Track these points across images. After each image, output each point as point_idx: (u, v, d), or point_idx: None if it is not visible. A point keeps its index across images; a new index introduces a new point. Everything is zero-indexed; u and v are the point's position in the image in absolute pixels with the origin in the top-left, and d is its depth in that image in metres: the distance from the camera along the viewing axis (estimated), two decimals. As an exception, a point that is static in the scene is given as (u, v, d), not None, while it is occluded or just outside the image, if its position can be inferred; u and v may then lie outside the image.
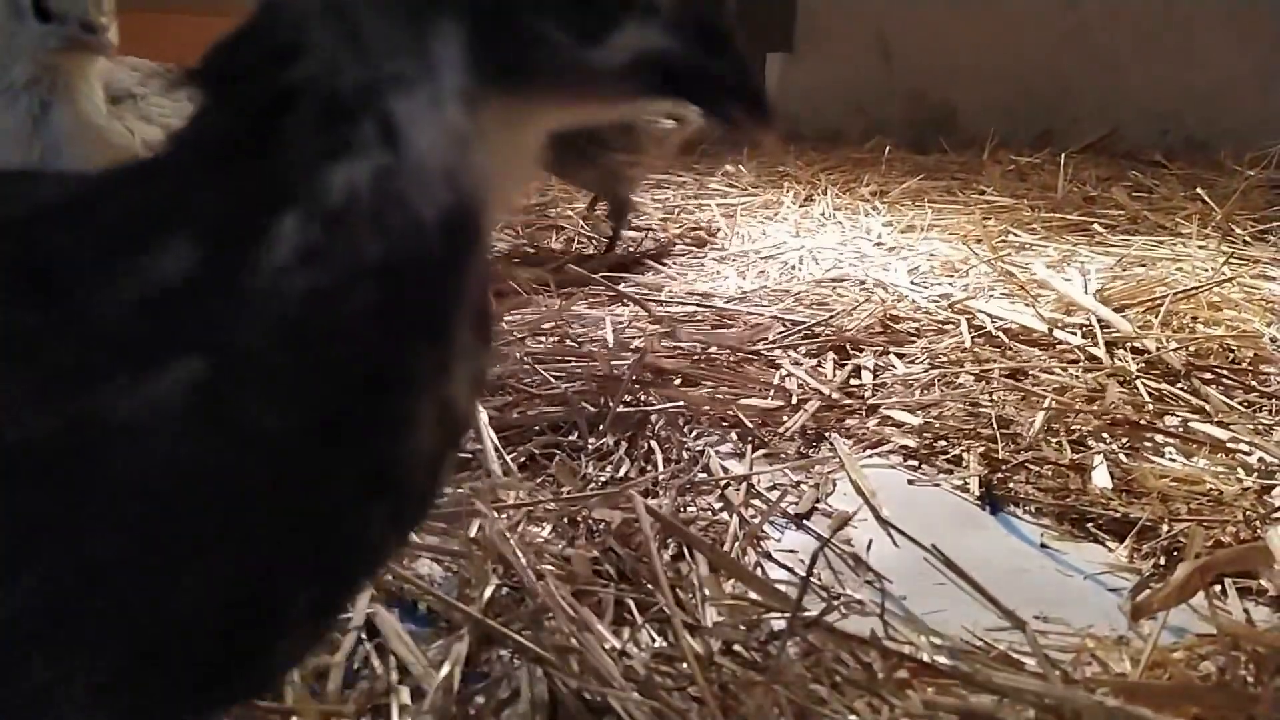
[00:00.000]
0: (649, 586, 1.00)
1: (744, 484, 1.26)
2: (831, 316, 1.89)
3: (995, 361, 1.69)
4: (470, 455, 1.26)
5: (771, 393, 1.55)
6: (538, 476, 1.25)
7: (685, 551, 1.08)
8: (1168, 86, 4.13)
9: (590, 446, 1.31)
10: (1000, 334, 1.81)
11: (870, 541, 1.15)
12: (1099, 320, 1.82)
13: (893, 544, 1.16)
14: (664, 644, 0.93)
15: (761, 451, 1.38)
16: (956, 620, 1.01)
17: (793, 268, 2.36)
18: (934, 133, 4.32)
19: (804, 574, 1.01)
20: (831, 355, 1.72)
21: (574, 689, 0.84)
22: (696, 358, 1.67)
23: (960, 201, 3.27)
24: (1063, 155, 3.55)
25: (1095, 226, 2.91)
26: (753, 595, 1.02)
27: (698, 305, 1.99)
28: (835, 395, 1.54)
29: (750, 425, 1.42)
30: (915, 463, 1.38)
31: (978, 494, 1.29)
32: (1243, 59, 3.95)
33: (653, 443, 1.35)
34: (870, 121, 4.42)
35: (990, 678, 0.88)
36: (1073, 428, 1.44)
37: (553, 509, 1.15)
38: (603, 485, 1.23)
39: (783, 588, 1.04)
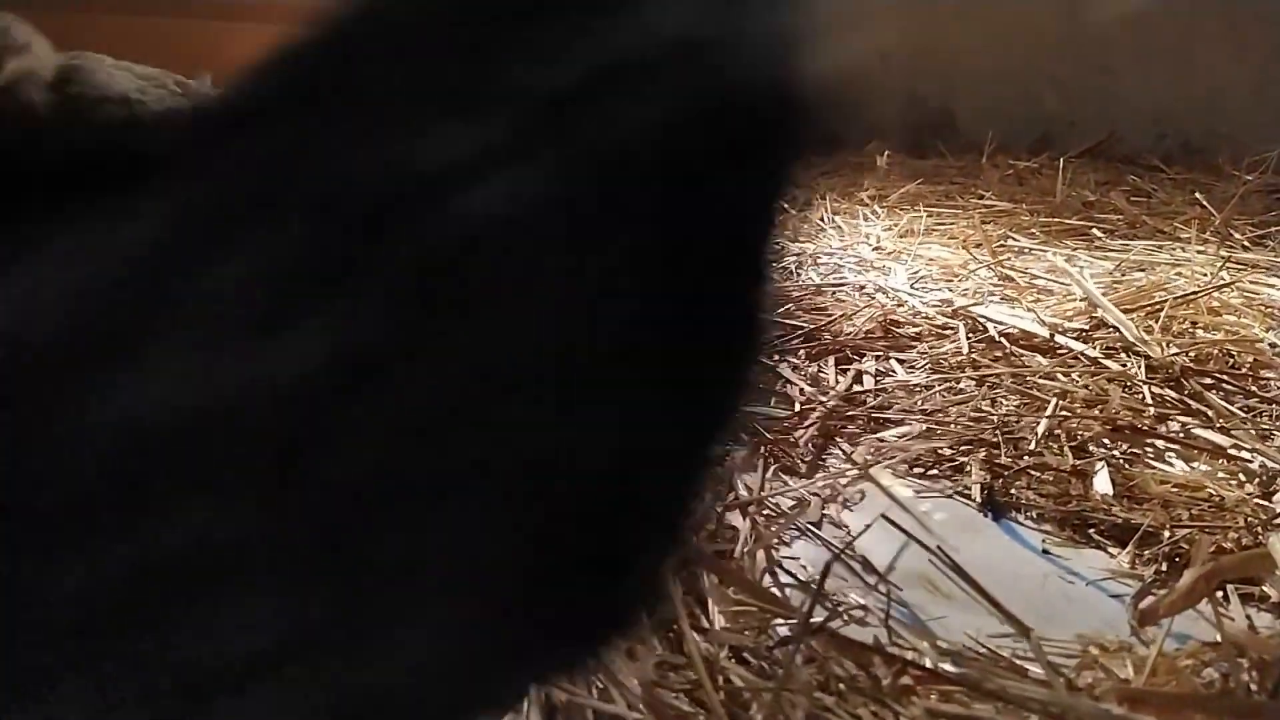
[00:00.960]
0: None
1: (757, 492, 1.27)
2: (830, 322, 1.89)
3: (996, 366, 1.69)
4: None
5: (774, 399, 1.55)
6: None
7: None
8: (1165, 91, 4.14)
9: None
10: (1001, 339, 1.81)
11: (877, 548, 1.15)
12: (1111, 324, 1.82)
13: (896, 550, 1.15)
14: (665, 651, 0.93)
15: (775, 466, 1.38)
16: (959, 627, 1.01)
17: (791, 272, 2.36)
18: (932, 137, 4.33)
19: (812, 582, 1.01)
20: (832, 361, 1.72)
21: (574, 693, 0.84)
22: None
23: (959, 206, 3.28)
24: (1061, 160, 3.56)
25: (1094, 231, 2.92)
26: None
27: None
28: (837, 403, 1.54)
29: (761, 433, 1.43)
30: (917, 469, 1.38)
31: (979, 500, 1.29)
32: (1240, 64, 3.97)
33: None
34: (868, 126, 4.43)
35: (999, 685, 0.88)
36: (1074, 433, 1.44)
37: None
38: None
39: (790, 594, 1.04)
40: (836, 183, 3.60)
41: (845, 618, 0.99)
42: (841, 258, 2.52)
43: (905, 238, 2.87)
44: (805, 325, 1.87)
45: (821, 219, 3.05)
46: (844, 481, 1.33)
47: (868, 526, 1.20)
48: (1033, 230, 2.95)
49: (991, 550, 1.20)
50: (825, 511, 1.25)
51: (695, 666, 0.87)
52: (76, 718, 0.32)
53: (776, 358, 1.70)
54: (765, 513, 1.22)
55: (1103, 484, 1.29)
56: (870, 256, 2.53)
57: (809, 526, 1.21)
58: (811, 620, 0.92)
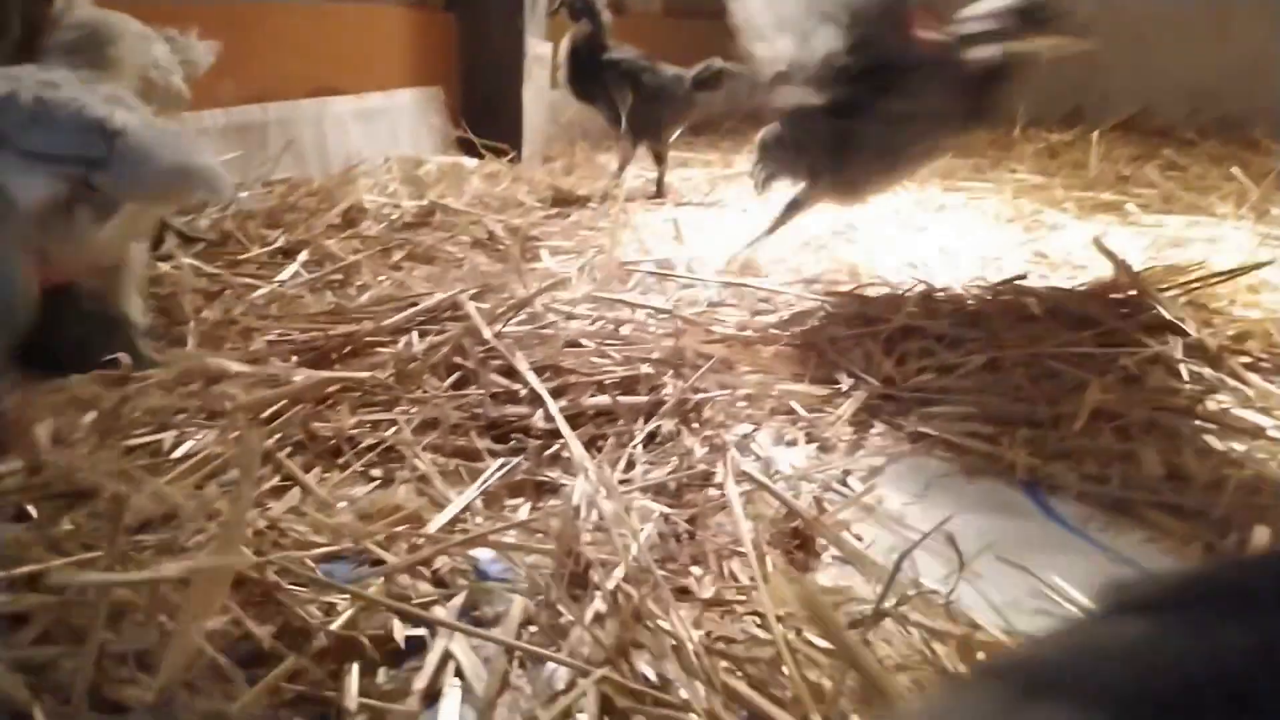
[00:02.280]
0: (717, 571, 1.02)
1: (809, 470, 1.28)
2: (868, 302, 1.89)
3: (1036, 345, 1.69)
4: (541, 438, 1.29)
5: (809, 376, 1.56)
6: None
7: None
8: (1199, 63, 4.08)
9: (640, 432, 1.32)
10: (1039, 316, 1.81)
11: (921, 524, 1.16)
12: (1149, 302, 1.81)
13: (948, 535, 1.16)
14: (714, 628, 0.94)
15: (816, 444, 1.39)
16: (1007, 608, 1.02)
17: (826, 249, 2.36)
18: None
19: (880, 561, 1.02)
20: (870, 340, 1.73)
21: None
22: (734, 342, 1.68)
23: (991, 180, 3.25)
24: (1095, 133, 3.52)
25: (1128, 206, 2.90)
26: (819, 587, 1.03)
27: (736, 286, 1.99)
28: (877, 381, 1.54)
29: (802, 413, 1.44)
30: (960, 450, 1.38)
31: (1022, 480, 1.30)
32: (1275, 35, 3.90)
33: (690, 429, 1.36)
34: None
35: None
36: (1117, 412, 1.45)
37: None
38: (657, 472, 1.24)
39: (842, 571, 1.05)
40: (866, 156, 3.58)
41: (924, 595, 0.99)
42: (876, 234, 2.51)
43: (939, 212, 2.86)
44: (843, 303, 1.87)
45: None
46: (884, 459, 1.34)
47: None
48: (1066, 204, 2.93)
49: (1036, 532, 1.20)
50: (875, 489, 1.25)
51: (780, 647, 0.89)
52: None
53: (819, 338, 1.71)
54: (817, 493, 1.23)
55: (1147, 463, 1.30)
56: (904, 232, 2.53)
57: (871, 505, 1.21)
58: (885, 603, 0.92)
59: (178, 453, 1.21)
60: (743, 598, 0.99)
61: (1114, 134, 3.89)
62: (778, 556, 1.06)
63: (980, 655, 0.89)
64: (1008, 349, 1.66)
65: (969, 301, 1.92)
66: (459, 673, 0.88)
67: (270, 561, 0.95)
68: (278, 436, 1.26)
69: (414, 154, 3.04)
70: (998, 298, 1.90)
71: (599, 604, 0.94)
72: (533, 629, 0.94)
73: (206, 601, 0.79)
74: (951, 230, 2.58)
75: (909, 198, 2.99)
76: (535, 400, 1.37)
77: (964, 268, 2.17)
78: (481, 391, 1.40)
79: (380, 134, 3.01)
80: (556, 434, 1.30)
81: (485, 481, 1.19)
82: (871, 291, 1.98)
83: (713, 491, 1.19)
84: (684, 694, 0.84)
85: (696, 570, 1.04)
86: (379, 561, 1.01)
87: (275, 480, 1.17)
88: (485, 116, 3.31)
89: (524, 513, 1.15)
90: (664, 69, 2.99)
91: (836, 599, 0.99)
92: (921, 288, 1.97)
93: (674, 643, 0.89)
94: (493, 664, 0.89)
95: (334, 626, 0.90)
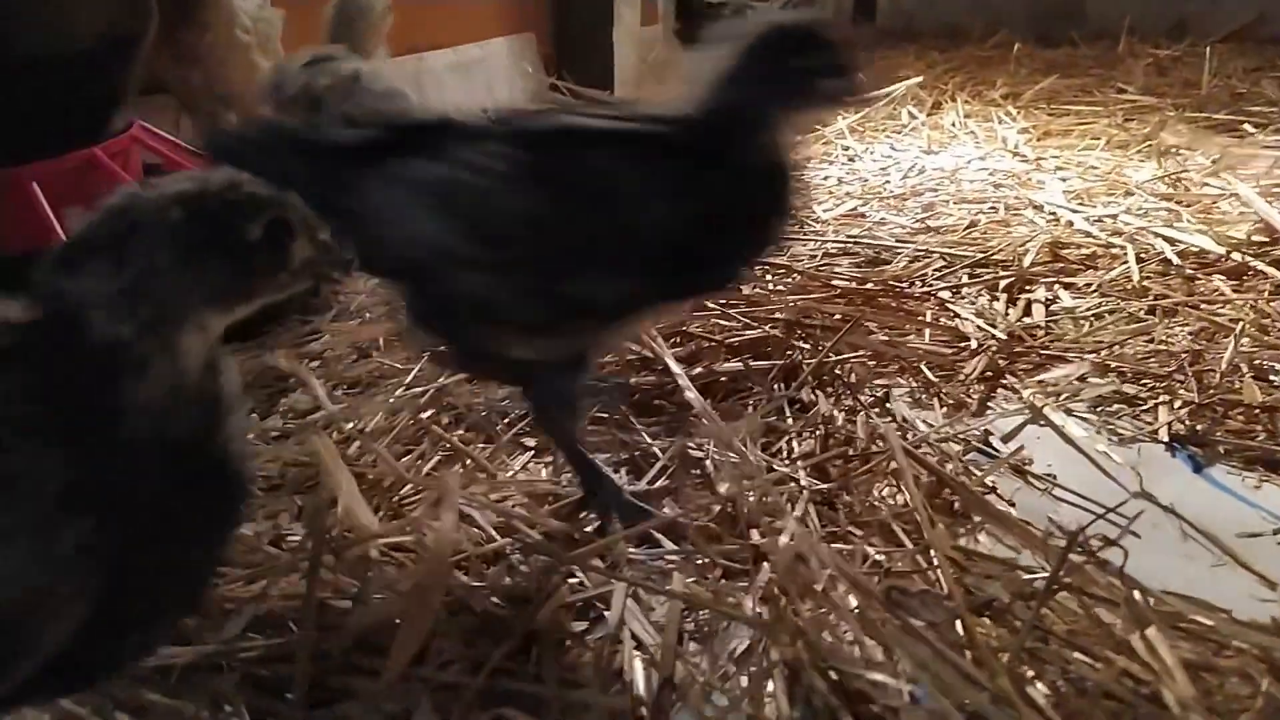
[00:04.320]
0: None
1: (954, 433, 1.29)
2: (992, 251, 1.85)
3: (1171, 292, 1.66)
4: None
5: (927, 332, 1.56)
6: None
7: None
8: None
9: (779, 400, 1.35)
10: (1174, 259, 1.77)
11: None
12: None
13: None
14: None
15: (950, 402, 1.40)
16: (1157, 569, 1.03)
17: (935, 190, 2.32)
18: (1062, 25, 4.11)
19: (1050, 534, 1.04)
20: (994, 290, 1.71)
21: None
22: (855, 297, 1.68)
23: (1098, 102, 3.14)
24: (1208, 48, 3.36)
25: (1245, 126, 2.78)
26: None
27: (850, 240, 1.99)
28: (1008, 337, 1.53)
29: (930, 376, 1.44)
30: (1099, 408, 1.38)
31: (1166, 439, 1.29)
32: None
33: (824, 394, 1.38)
34: (992, 15, 4.23)
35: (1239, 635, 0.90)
36: (1259, 363, 1.42)
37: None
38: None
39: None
40: (965, 82, 3.47)
41: (1093, 563, 1.00)
42: (985, 169, 2.46)
43: (1045, 140, 2.78)
44: (964, 253, 1.85)
45: (953, 124, 2.96)
46: (1022, 419, 1.34)
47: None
48: (1179, 127, 2.83)
49: (1182, 489, 1.20)
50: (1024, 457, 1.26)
51: (965, 620, 0.92)
52: None
53: (944, 291, 1.70)
54: (960, 454, 1.25)
55: (1294, 418, 1.29)
56: (1015, 167, 2.47)
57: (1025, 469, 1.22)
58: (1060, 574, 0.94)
59: (348, 426, 1.29)
60: (906, 567, 1.02)
61: (1224, 46, 3.70)
62: (938, 521, 1.09)
63: (1149, 620, 0.90)
64: (1142, 295, 1.63)
65: (1094, 242, 1.88)
66: (639, 645, 0.94)
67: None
68: (434, 410, 1.33)
69: (511, 104, 3.05)
70: (1126, 240, 1.86)
71: (765, 577, 0.99)
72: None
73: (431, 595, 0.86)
74: (1065, 161, 2.51)
75: (1010, 124, 2.91)
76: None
77: (1086, 205, 2.12)
78: (617, 362, 1.44)
79: (476, 85, 3.03)
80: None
81: (657, 475, 1.21)
82: (989, 235, 1.96)
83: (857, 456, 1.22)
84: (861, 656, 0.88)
85: (857, 533, 1.08)
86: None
87: (439, 455, 1.24)
88: (576, 60, 3.30)
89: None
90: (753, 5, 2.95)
91: (1001, 570, 1.01)
92: (1043, 229, 1.94)
93: (848, 610, 0.93)
94: (667, 632, 0.94)
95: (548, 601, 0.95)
